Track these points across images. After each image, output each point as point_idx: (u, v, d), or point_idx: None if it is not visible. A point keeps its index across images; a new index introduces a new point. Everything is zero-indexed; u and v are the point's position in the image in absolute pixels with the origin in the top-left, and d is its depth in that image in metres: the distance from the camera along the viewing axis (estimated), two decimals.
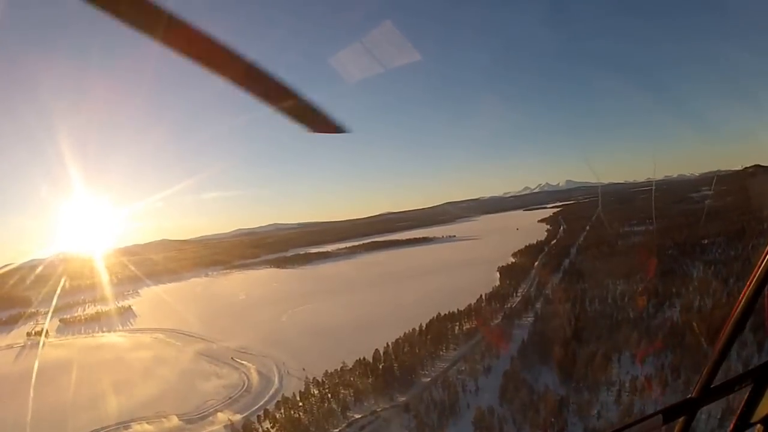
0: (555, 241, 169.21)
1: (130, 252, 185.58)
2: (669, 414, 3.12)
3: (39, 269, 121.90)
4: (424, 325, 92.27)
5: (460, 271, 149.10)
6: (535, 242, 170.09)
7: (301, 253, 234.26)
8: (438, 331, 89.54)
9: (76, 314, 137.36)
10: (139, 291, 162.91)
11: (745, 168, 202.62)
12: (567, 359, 68.68)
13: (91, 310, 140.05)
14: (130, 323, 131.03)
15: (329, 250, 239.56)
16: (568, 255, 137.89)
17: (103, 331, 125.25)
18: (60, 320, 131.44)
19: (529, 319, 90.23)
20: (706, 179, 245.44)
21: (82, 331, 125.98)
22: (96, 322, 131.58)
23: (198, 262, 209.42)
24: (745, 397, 3.36)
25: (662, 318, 79.44)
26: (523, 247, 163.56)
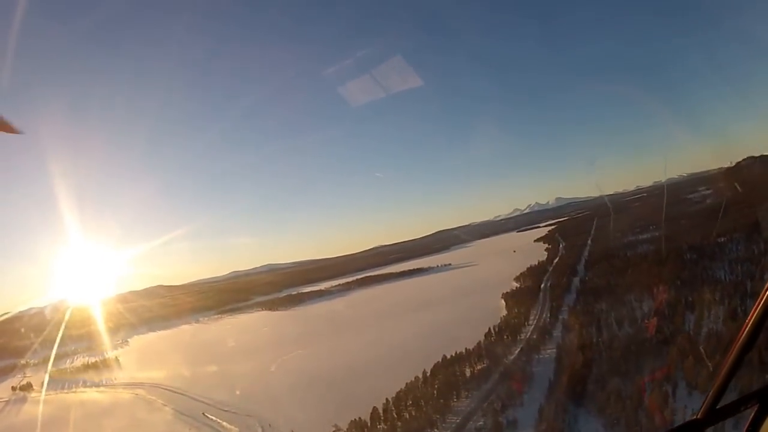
0: (557, 259, 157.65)
1: (126, 299, 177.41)
2: None
3: (35, 318, 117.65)
4: (428, 371, 78.72)
5: (460, 302, 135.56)
6: (536, 263, 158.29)
7: (294, 293, 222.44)
8: (446, 377, 75.86)
9: (63, 366, 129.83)
10: (129, 340, 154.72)
11: (738, 162, 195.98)
12: (609, 398, 55.63)
13: (78, 362, 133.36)
14: (114, 377, 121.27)
15: (322, 288, 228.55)
16: (576, 273, 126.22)
17: (86, 386, 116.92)
18: (47, 373, 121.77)
19: (550, 351, 77.07)
20: (699, 179, 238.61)
21: (66, 386, 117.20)
22: (81, 375, 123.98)
23: (190, 308, 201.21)
24: (751, 417, 3.32)
25: (707, 332, 67.38)
26: (525, 269, 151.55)
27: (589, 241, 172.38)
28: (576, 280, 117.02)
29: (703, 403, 3.20)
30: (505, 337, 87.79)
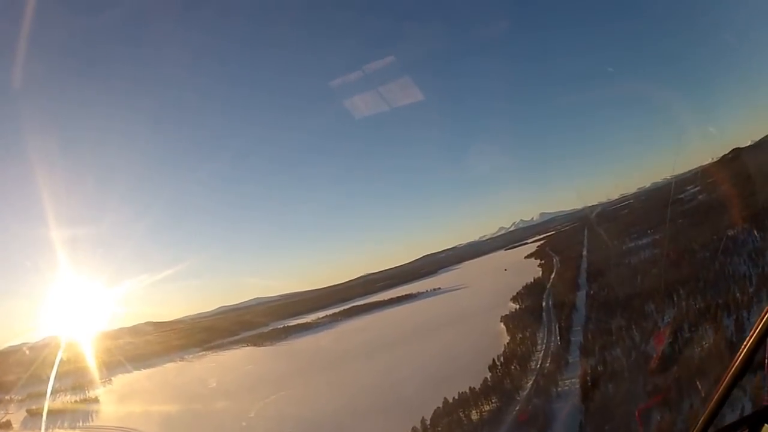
0: (554, 274, 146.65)
1: (115, 336, 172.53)
2: None
3: (25, 354, 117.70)
4: (428, 420, 65.09)
5: (456, 330, 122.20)
6: (532, 280, 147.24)
7: (280, 326, 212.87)
8: (450, 426, 62.45)
9: (44, 405, 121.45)
10: (112, 378, 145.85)
11: (724, 155, 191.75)
12: None
13: (60, 400, 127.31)
14: (92, 419, 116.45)
15: (309, 320, 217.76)
16: (578, 287, 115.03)
17: (62, 428, 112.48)
18: (27, 411, 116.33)
19: (569, 382, 64.29)
20: (684, 180, 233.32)
21: (43, 427, 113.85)
22: (60, 415, 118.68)
23: (176, 345, 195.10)
24: None
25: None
26: (521, 288, 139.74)
27: (584, 252, 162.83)
28: (581, 296, 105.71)
29: (694, 429, 3.17)
30: (514, 368, 74.69)
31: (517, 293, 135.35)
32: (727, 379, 3.05)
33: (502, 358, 79.90)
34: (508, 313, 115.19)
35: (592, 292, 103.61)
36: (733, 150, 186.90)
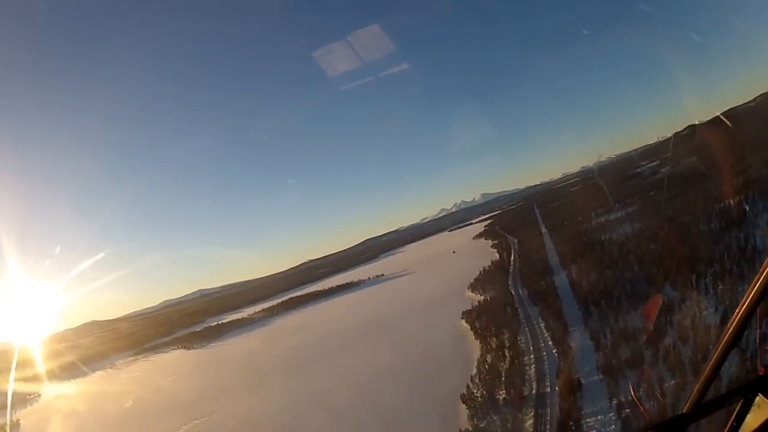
0: (516, 256, 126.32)
1: (57, 339, 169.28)
2: (659, 430, 3.23)
3: None
4: None
5: (405, 334, 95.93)
6: (489, 264, 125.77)
7: (215, 324, 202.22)
8: None
9: None
10: (41, 393, 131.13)
11: (678, 132, 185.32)
12: None
13: None
14: None
15: (245, 315, 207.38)
16: (553, 271, 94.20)
17: None
18: None
19: (599, 422, 40.73)
20: (632, 157, 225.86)
21: None
22: None
23: (112, 347, 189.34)
24: (735, 412, 3.36)
25: None
26: (478, 273, 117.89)
27: (543, 230, 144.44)
28: (560, 281, 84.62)
29: (689, 397, 3.16)
30: (501, 397, 50.18)
31: (475, 279, 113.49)
32: (719, 349, 2.97)
33: (478, 381, 55.43)
34: (470, 306, 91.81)
35: (575, 277, 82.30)
36: (689, 126, 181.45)
